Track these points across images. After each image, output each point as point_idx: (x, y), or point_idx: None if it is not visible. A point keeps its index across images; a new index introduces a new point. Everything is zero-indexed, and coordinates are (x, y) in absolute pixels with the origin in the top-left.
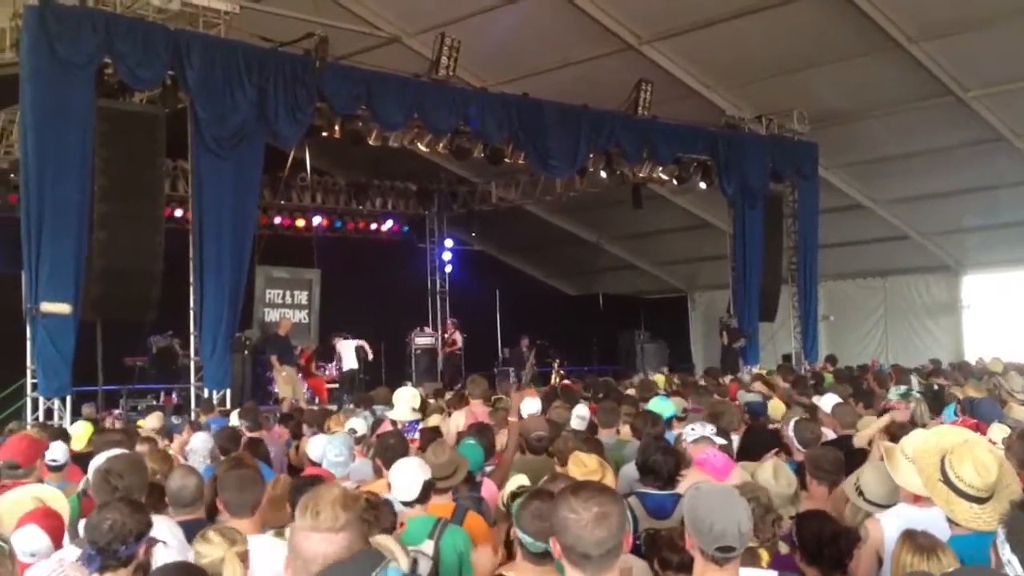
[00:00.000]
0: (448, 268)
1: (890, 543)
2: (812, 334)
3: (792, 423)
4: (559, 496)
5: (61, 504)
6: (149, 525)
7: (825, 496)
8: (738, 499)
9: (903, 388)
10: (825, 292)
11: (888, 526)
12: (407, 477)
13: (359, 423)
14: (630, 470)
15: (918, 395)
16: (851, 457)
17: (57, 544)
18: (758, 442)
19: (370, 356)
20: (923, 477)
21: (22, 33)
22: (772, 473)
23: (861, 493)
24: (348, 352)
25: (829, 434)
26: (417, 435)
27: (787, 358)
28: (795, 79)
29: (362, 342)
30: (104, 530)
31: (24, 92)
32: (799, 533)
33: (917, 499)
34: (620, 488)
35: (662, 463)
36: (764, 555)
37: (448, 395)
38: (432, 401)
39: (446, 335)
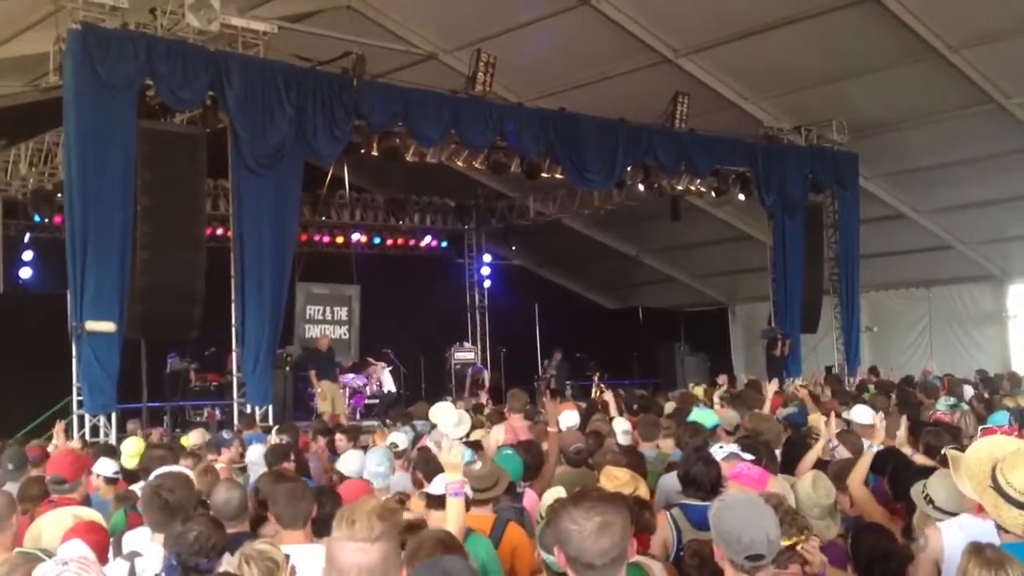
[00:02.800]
0: (487, 283)
1: (949, 552)
2: (855, 345)
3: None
4: (560, 507)
5: (99, 522)
6: (230, 542)
7: (848, 509)
8: (764, 507)
9: (952, 400)
10: (867, 303)
11: (949, 535)
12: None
13: (400, 437)
14: (669, 481)
15: (967, 407)
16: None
17: (102, 558)
18: (797, 455)
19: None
20: (974, 483)
21: (65, 56)
22: (811, 484)
23: (930, 501)
24: (387, 378)
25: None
26: None
27: (829, 369)
28: (834, 89)
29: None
30: (189, 542)
31: (68, 114)
32: (854, 545)
33: (981, 509)
34: (659, 499)
35: (704, 474)
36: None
37: (487, 410)
38: (473, 416)
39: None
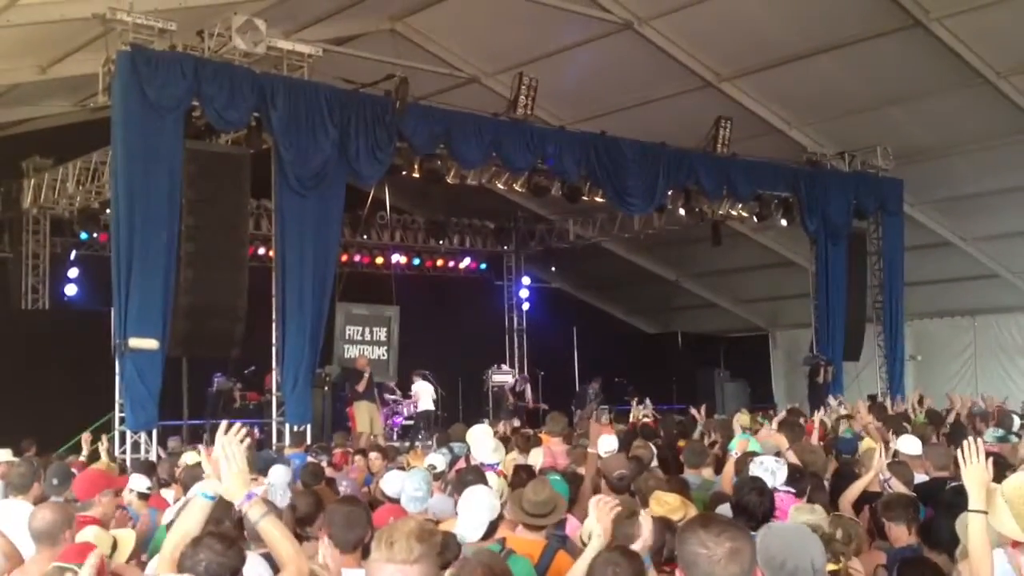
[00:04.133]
0: (526, 305)
1: None
2: (898, 374)
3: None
4: (686, 529)
5: (103, 541)
6: (243, 561)
7: (905, 538)
8: (810, 535)
9: (1000, 431)
10: (912, 331)
11: None
12: (475, 514)
13: (438, 459)
14: (724, 511)
15: (1017, 438)
16: (948, 498)
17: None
18: (845, 486)
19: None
20: (1018, 519)
21: (114, 78)
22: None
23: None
24: (425, 393)
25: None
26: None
27: (872, 398)
28: (878, 115)
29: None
30: (200, 571)
31: (115, 134)
32: None
33: (1016, 545)
34: None
35: (756, 504)
36: None
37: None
38: (514, 438)
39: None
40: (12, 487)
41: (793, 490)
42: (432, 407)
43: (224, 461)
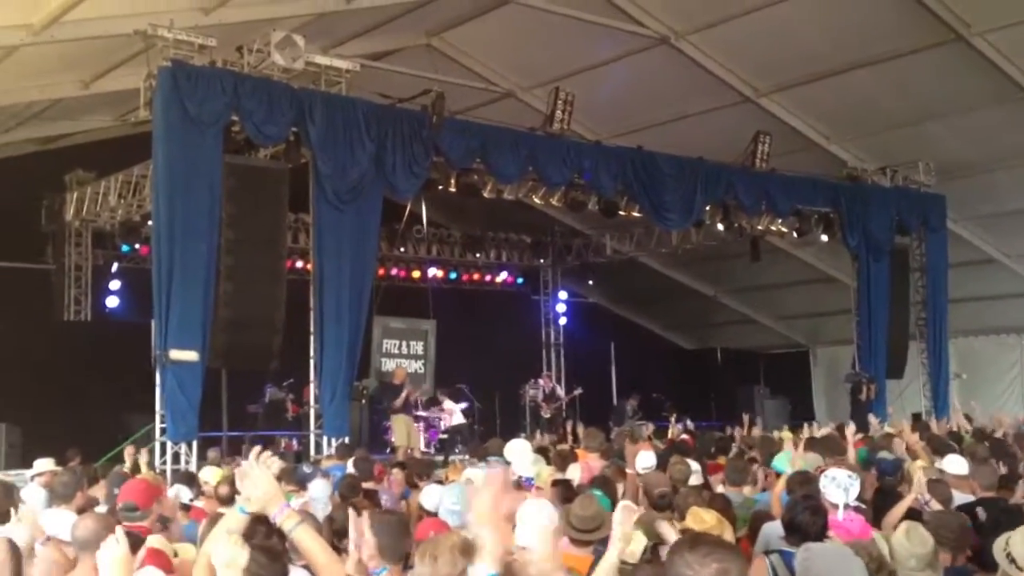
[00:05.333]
0: (562, 320)
1: None
2: (943, 392)
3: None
4: (674, 550)
5: (163, 549)
6: (286, 574)
7: (949, 560)
8: (853, 558)
9: None
10: (956, 349)
11: None
12: (533, 524)
13: (476, 474)
14: (773, 527)
15: None
16: (997, 517)
17: None
18: (888, 506)
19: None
20: None
21: (155, 93)
22: (904, 534)
23: (1013, 560)
24: (453, 409)
25: (959, 497)
26: (534, 489)
27: (916, 416)
28: (920, 130)
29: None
30: None
31: (156, 149)
32: None
33: None
34: (759, 545)
35: (809, 523)
36: None
37: (555, 449)
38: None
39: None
40: (56, 496)
41: (864, 506)
42: (463, 420)
43: (251, 484)
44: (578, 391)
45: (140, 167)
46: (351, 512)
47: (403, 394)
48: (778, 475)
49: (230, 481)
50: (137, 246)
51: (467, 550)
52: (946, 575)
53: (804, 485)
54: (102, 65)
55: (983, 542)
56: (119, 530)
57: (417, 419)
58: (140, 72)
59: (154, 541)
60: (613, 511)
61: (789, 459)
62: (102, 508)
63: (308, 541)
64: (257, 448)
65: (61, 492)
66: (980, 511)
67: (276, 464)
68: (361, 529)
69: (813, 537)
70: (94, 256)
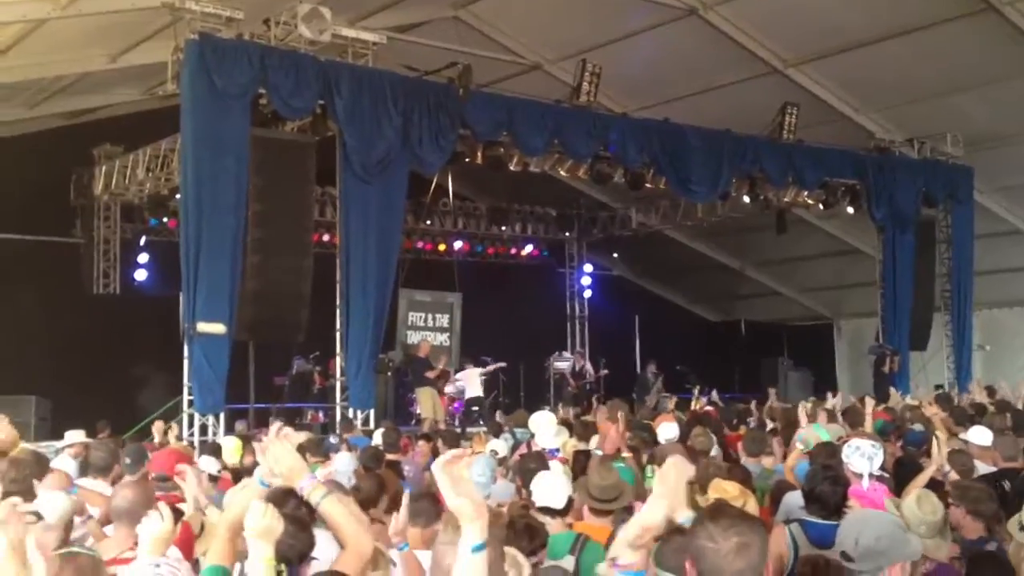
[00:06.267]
0: (587, 293)
1: None
2: (966, 364)
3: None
4: (697, 521)
5: (188, 521)
6: (312, 545)
7: (981, 531)
8: (875, 517)
9: None
10: (980, 321)
11: None
12: (554, 487)
13: (500, 444)
14: (794, 497)
15: None
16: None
17: (187, 555)
18: (908, 476)
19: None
20: None
21: (183, 66)
22: (916, 501)
23: (1022, 526)
24: (473, 381)
25: (982, 468)
26: (558, 460)
27: (939, 388)
28: (948, 101)
29: (484, 369)
30: None
31: (184, 122)
32: (969, 574)
33: None
34: (780, 514)
35: (829, 493)
36: None
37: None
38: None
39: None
40: (94, 469)
41: (887, 475)
42: (480, 392)
43: (274, 459)
44: (605, 372)
45: (168, 140)
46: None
47: (439, 368)
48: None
49: (251, 452)
50: (165, 219)
51: (491, 521)
52: (970, 545)
53: (829, 457)
54: (129, 38)
55: (1007, 512)
56: (163, 506)
57: (442, 392)
58: (167, 45)
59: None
60: (633, 482)
61: (805, 434)
62: (125, 479)
63: (336, 512)
64: (277, 424)
65: (100, 465)
66: (1006, 483)
67: (298, 436)
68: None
69: (833, 507)
70: (122, 230)
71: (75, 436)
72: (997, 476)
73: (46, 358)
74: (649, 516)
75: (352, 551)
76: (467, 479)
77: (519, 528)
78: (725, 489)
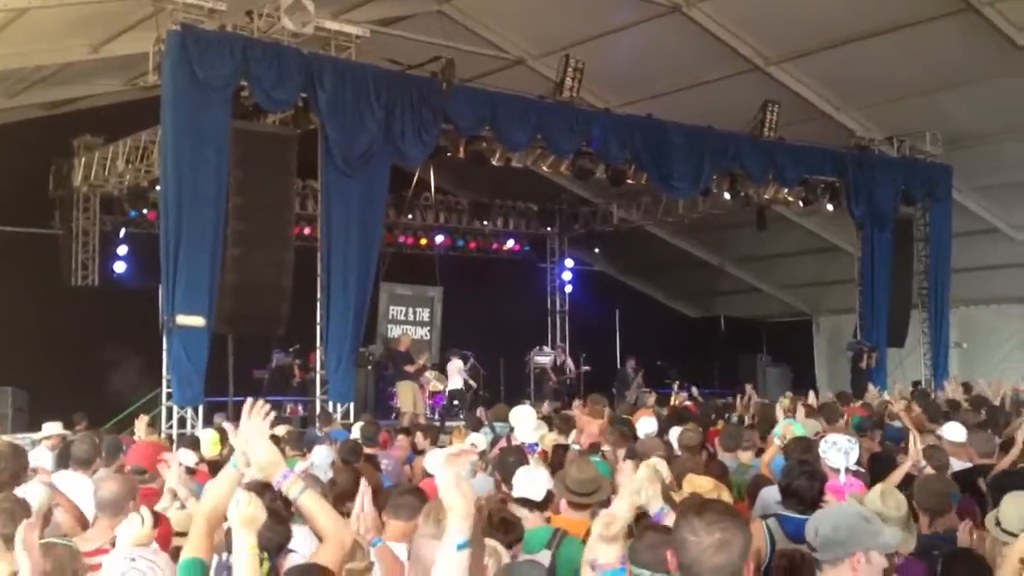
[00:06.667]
0: (568, 288)
1: None
2: (943, 361)
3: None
4: (682, 513)
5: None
6: (289, 537)
7: (925, 528)
8: (839, 508)
9: None
10: (957, 318)
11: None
12: (534, 479)
13: (480, 438)
14: (770, 492)
15: None
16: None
17: (164, 547)
18: (883, 471)
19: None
20: None
21: (164, 57)
22: (879, 496)
23: (998, 523)
24: (455, 372)
25: (957, 464)
26: (538, 454)
27: (917, 385)
28: (928, 100)
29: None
30: None
31: (165, 114)
32: (945, 571)
33: None
34: (756, 509)
35: (806, 488)
36: None
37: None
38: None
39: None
40: (76, 461)
41: (863, 470)
42: (460, 386)
43: (250, 445)
44: (586, 368)
45: (148, 132)
46: (362, 483)
47: (419, 363)
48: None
49: (224, 444)
50: (145, 211)
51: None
52: (923, 540)
53: (804, 452)
54: (111, 29)
55: (982, 509)
56: (144, 510)
57: (422, 386)
58: (149, 36)
59: (172, 515)
60: (612, 476)
61: (783, 429)
62: (101, 472)
63: (314, 506)
64: (250, 401)
65: (81, 458)
66: (981, 480)
67: (281, 428)
68: (364, 501)
69: (810, 502)
70: (102, 221)
71: (52, 428)
72: (972, 472)
73: (23, 349)
74: (614, 507)
75: (331, 543)
76: (466, 477)
77: (495, 522)
78: (699, 483)
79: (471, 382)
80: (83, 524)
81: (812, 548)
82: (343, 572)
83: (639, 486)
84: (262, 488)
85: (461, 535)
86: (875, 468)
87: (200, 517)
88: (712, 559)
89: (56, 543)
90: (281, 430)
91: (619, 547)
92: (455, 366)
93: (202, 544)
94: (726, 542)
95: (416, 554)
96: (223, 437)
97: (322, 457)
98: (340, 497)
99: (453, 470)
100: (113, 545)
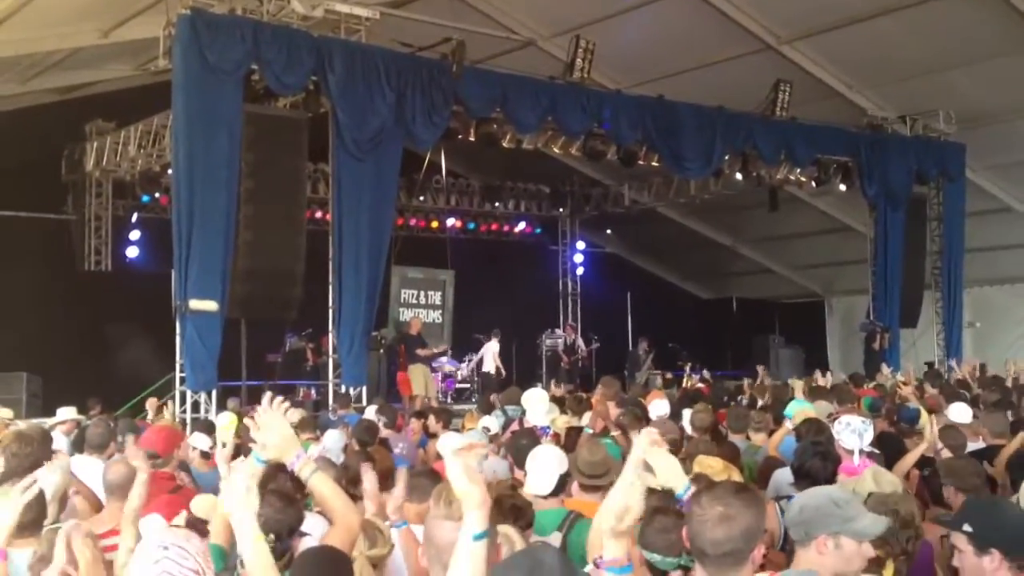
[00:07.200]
0: (580, 270)
1: None
2: (956, 341)
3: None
4: (697, 490)
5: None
6: (300, 520)
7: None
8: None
9: None
10: (971, 298)
11: None
12: (544, 470)
13: (492, 422)
14: (784, 474)
15: None
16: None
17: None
18: (892, 450)
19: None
20: None
21: (175, 41)
22: (872, 479)
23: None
24: (488, 355)
25: (971, 445)
26: (550, 437)
27: (930, 365)
28: (941, 78)
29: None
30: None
31: (176, 98)
32: None
33: None
34: (769, 491)
35: (819, 468)
36: (890, 567)
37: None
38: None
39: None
40: (90, 446)
41: (878, 452)
42: (492, 369)
43: (267, 432)
44: (596, 345)
45: (160, 116)
46: (365, 466)
47: (437, 350)
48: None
49: (236, 435)
50: (157, 196)
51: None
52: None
53: (818, 433)
54: (121, 13)
55: (992, 489)
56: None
57: (433, 370)
58: (159, 21)
59: (197, 503)
60: (621, 458)
61: (795, 408)
62: (116, 456)
63: (324, 488)
64: (270, 394)
65: (96, 443)
66: (986, 464)
67: (295, 413)
68: (373, 483)
69: (823, 482)
70: (114, 206)
71: (67, 413)
72: (985, 453)
73: (37, 335)
74: (622, 500)
75: (340, 526)
76: (476, 468)
77: (505, 508)
78: (708, 464)
79: (500, 367)
80: (97, 508)
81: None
82: (362, 557)
83: (637, 461)
84: (274, 471)
85: (478, 526)
86: (883, 448)
87: (221, 507)
88: (712, 531)
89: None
90: (295, 415)
91: (627, 541)
92: (491, 348)
93: (223, 532)
94: (728, 517)
95: (428, 535)
96: (239, 420)
97: (334, 440)
98: (351, 481)
99: (461, 462)
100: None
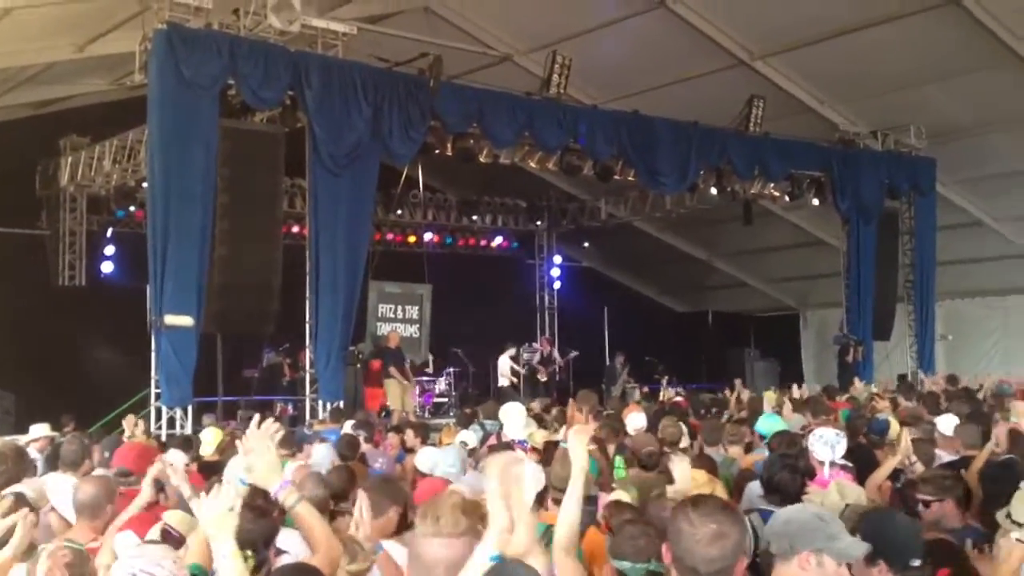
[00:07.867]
0: (557, 284)
1: None
2: (928, 354)
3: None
4: (679, 506)
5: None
6: (275, 531)
7: (954, 513)
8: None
9: None
10: (942, 311)
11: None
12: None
13: (470, 436)
14: (756, 488)
15: None
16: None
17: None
18: (862, 463)
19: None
20: None
21: (151, 56)
22: (837, 493)
23: (1009, 515)
24: (503, 368)
25: (943, 456)
26: (529, 451)
27: (903, 377)
28: (912, 94)
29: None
30: None
31: (152, 113)
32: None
33: None
34: (742, 505)
35: (788, 481)
36: None
37: (554, 411)
38: (545, 416)
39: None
40: (64, 463)
41: (850, 464)
42: (506, 383)
43: (255, 456)
44: (573, 354)
45: (135, 131)
46: (360, 493)
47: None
48: (761, 438)
49: (221, 450)
50: (132, 210)
51: (469, 509)
52: (964, 534)
53: (790, 446)
54: (97, 28)
55: (971, 501)
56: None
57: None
58: (135, 35)
59: (171, 516)
60: (598, 472)
61: (766, 424)
62: (98, 472)
63: (308, 517)
64: (257, 417)
65: (69, 460)
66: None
67: (279, 433)
68: (367, 510)
69: (792, 496)
70: (89, 221)
71: (40, 430)
72: (959, 464)
73: (10, 351)
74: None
75: (322, 555)
76: (522, 490)
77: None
78: (693, 477)
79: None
80: (68, 527)
81: (768, 542)
82: (343, 573)
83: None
84: (257, 494)
85: (497, 548)
86: (855, 460)
87: (202, 527)
88: (706, 550)
89: (71, 547)
90: (279, 435)
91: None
92: (506, 363)
93: (204, 553)
94: (721, 535)
95: (415, 553)
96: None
97: (322, 455)
98: (334, 498)
99: (508, 479)
100: (97, 542)
